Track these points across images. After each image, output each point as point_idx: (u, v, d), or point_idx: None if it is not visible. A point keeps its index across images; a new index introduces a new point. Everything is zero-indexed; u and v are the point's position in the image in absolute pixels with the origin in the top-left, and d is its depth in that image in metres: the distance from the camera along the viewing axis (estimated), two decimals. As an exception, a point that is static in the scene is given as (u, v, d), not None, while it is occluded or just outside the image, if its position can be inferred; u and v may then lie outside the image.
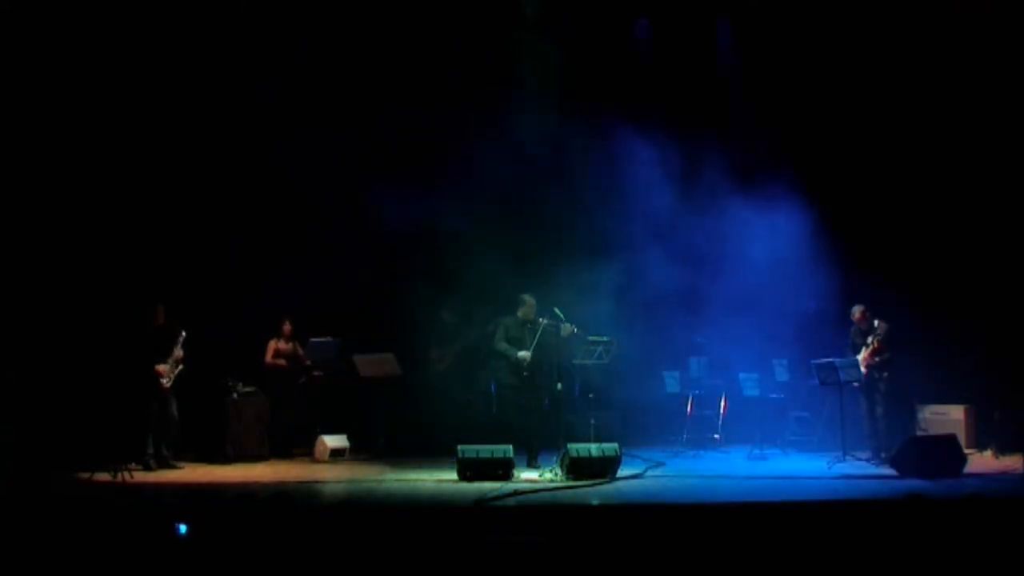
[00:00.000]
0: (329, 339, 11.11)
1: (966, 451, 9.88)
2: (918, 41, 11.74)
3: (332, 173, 11.62)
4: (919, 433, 10.96)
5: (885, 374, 10.39)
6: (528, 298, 10.07)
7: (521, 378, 9.93)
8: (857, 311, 10.61)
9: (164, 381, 10.10)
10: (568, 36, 12.09)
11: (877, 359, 10.35)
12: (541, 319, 9.91)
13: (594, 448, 9.21)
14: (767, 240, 11.92)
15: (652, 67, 12.55)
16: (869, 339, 10.36)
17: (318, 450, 10.83)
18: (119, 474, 9.20)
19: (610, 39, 12.49)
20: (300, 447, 11.04)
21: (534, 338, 9.88)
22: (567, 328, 9.81)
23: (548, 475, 9.31)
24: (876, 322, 10.40)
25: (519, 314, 10.06)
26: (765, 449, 11.19)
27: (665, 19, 12.62)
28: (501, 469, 9.08)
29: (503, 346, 10.02)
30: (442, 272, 11.67)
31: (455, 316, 11.69)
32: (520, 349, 9.93)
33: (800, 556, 6.49)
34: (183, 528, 6.58)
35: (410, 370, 11.43)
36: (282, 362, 11.22)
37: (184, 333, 10.23)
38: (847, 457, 10.21)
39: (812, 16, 12.12)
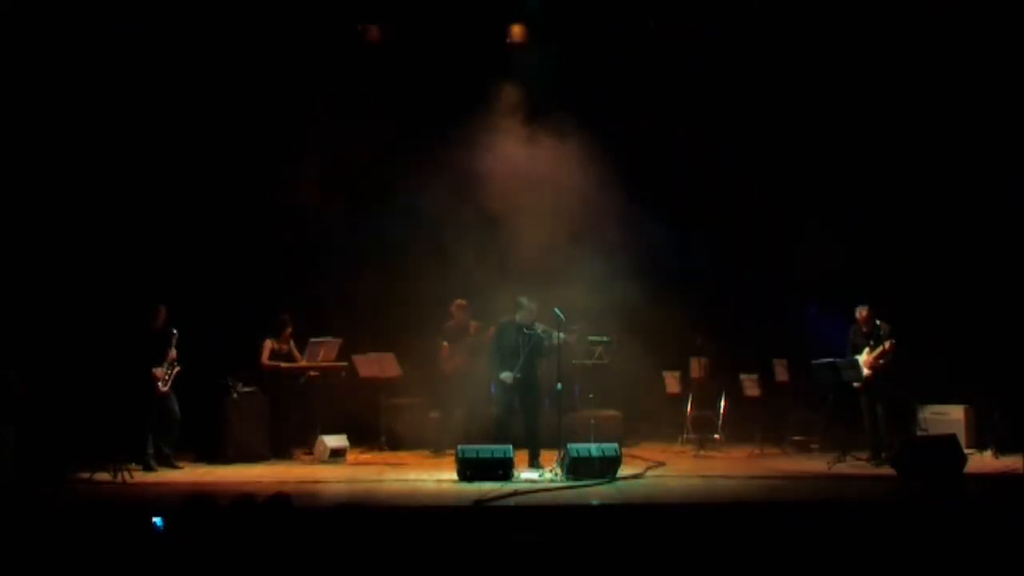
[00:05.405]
0: (329, 339, 11.10)
1: (966, 451, 9.87)
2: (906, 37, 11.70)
3: (332, 172, 11.62)
4: (919, 433, 10.95)
5: (887, 375, 10.36)
6: (526, 302, 9.84)
7: (516, 380, 9.87)
8: (862, 311, 10.43)
9: (160, 385, 10.08)
10: None
11: (881, 362, 10.27)
12: (537, 325, 9.81)
13: (594, 448, 9.19)
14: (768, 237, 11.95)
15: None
16: (885, 343, 10.17)
17: (318, 450, 10.83)
18: (119, 474, 9.20)
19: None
20: (300, 447, 11.03)
21: (527, 344, 9.75)
22: (556, 337, 9.67)
23: (548, 475, 9.30)
24: (878, 322, 10.34)
25: (517, 318, 9.92)
26: (765, 449, 11.20)
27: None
28: (501, 469, 9.06)
29: (494, 360, 9.96)
30: (447, 271, 11.66)
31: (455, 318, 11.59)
32: (513, 356, 9.78)
33: (800, 556, 6.49)
34: (159, 521, 6.54)
35: (410, 370, 11.41)
36: (281, 364, 11.17)
37: (176, 332, 10.20)
38: (847, 457, 10.22)
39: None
